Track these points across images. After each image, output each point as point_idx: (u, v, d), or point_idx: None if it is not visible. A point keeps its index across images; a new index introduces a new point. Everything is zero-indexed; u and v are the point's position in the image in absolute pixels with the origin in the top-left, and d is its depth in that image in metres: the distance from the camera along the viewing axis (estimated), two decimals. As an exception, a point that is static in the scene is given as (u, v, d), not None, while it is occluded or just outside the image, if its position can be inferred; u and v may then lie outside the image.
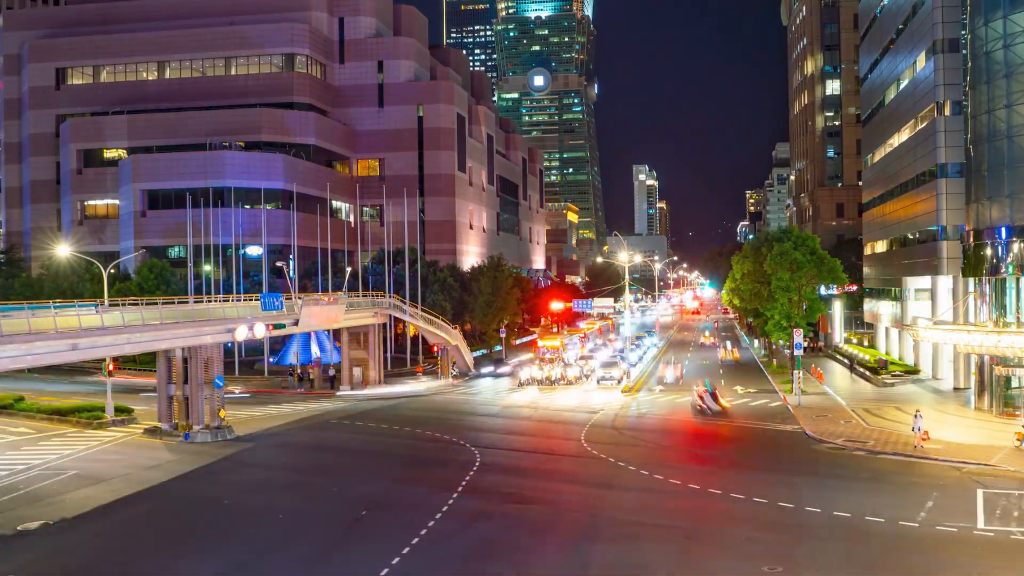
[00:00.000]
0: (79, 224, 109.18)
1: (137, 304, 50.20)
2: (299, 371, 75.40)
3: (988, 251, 53.16)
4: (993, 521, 31.21)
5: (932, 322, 61.22)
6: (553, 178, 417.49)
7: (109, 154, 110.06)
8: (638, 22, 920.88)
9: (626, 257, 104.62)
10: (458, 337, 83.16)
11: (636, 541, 29.48)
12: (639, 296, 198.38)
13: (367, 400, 66.72)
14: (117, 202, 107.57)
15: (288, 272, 79.05)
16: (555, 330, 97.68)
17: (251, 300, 60.32)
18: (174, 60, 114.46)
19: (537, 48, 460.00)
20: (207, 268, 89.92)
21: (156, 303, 50.26)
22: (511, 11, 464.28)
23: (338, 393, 70.63)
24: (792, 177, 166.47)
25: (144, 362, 77.29)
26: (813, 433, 48.95)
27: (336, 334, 74.53)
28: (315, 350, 74.81)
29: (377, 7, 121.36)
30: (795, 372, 63.68)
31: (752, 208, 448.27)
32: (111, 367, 58.05)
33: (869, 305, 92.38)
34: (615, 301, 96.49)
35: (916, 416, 45.19)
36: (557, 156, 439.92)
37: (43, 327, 39.30)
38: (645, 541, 29.54)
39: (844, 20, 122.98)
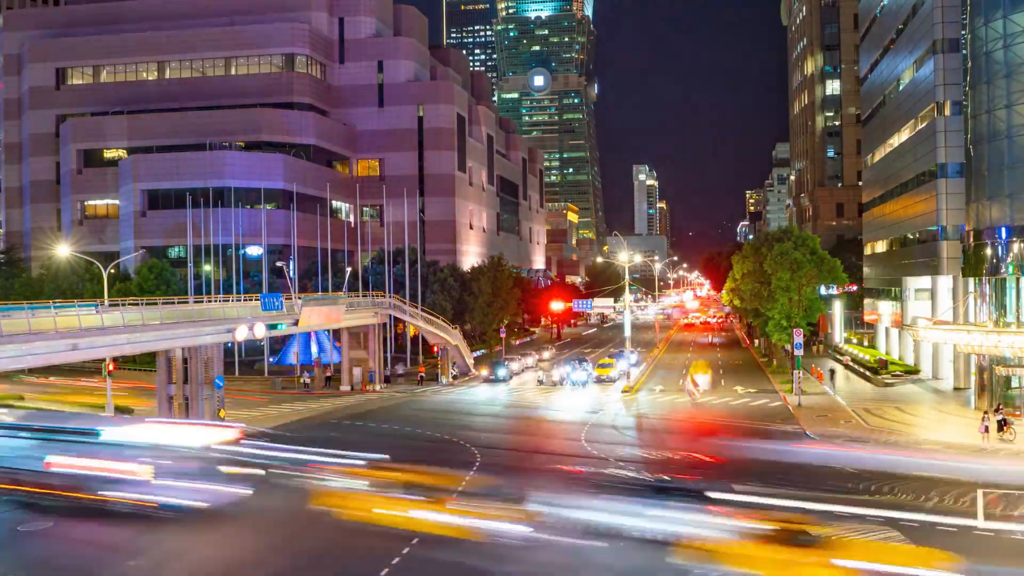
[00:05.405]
0: (79, 224, 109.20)
1: (137, 304, 50.17)
2: (300, 372, 75.37)
3: (988, 251, 53.16)
4: (993, 520, 31.19)
5: (932, 322, 61.19)
6: (553, 178, 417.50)
7: (109, 154, 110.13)
8: (638, 22, 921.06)
9: (626, 257, 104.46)
10: (458, 337, 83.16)
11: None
12: (639, 296, 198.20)
13: (367, 400, 66.73)
14: (117, 202, 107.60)
15: (288, 272, 79.05)
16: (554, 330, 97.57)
17: (251, 300, 60.31)
18: (174, 60, 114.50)
19: (537, 48, 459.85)
20: (207, 268, 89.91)
21: (156, 303, 50.27)
22: (511, 11, 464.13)
23: (339, 392, 70.67)
24: (792, 177, 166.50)
25: (144, 362, 77.26)
26: (813, 433, 49.01)
27: (336, 334, 74.53)
28: (315, 350, 74.84)
29: (377, 7, 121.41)
30: (795, 372, 63.65)
31: (752, 208, 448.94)
32: (111, 367, 58.04)
33: (869, 305, 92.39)
34: (615, 301, 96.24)
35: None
36: (557, 156, 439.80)
37: (43, 327, 39.29)
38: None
39: (844, 20, 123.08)
